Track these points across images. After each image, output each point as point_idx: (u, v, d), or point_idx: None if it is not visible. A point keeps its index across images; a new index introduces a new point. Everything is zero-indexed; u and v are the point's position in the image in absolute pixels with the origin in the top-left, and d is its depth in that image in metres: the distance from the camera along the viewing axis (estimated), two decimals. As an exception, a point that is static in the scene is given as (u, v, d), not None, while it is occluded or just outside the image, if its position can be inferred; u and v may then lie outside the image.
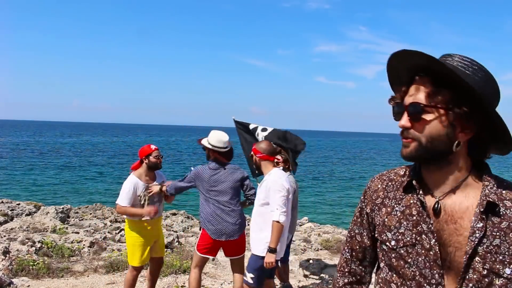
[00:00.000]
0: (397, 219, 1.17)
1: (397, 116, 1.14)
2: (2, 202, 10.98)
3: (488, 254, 1.05)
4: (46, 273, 5.62)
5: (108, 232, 8.64)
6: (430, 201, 1.14)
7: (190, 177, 4.28)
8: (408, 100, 1.11)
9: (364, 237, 1.31)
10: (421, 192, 1.14)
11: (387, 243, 1.19)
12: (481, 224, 1.05)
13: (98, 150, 50.37)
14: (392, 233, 1.17)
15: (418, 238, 1.12)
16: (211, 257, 4.53)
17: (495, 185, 1.11)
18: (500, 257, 1.04)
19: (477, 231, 1.05)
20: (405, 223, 1.15)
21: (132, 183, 4.33)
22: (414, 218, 1.14)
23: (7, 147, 49.49)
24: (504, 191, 1.10)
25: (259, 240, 3.74)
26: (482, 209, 1.06)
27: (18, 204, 10.70)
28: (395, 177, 1.26)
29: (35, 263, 5.75)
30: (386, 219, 1.20)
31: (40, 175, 26.85)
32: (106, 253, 6.96)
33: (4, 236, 7.33)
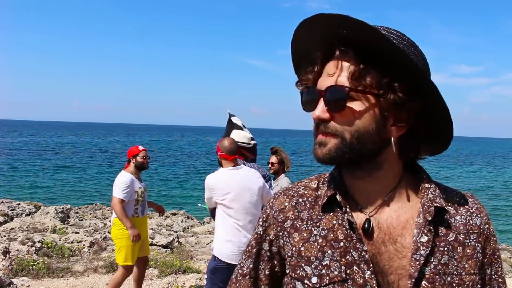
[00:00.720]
0: (318, 247, 0.87)
1: (308, 105, 0.86)
2: (2, 202, 10.98)
3: (437, 276, 0.82)
4: (46, 273, 5.62)
5: (108, 232, 8.63)
6: (359, 219, 0.87)
7: None
8: (324, 82, 0.84)
9: (262, 276, 0.96)
10: (347, 209, 0.87)
11: (306, 281, 0.87)
12: (426, 238, 0.83)
13: (98, 150, 50.38)
14: (313, 266, 0.86)
15: (348, 271, 0.84)
16: None
17: (437, 189, 0.89)
18: (449, 279, 0.83)
19: (421, 248, 0.83)
20: (329, 251, 0.86)
21: (129, 177, 4.41)
22: (342, 244, 0.86)
23: (7, 147, 49.52)
24: (445, 196, 0.89)
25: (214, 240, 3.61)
26: (430, 218, 0.84)
27: (18, 204, 10.71)
28: (305, 192, 0.95)
29: (35, 263, 5.75)
30: (302, 248, 0.88)
31: (40, 175, 26.86)
32: (106, 253, 6.96)
33: (4, 236, 7.33)
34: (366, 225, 0.86)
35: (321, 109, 0.83)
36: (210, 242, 8.46)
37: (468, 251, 0.86)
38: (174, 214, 12.47)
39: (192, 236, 9.37)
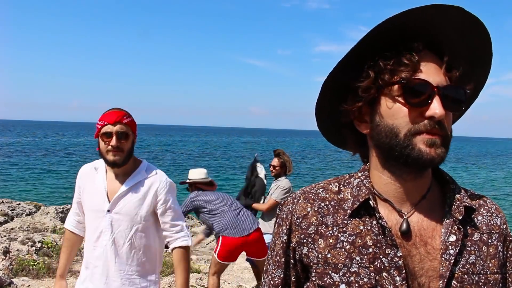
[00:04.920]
0: (346, 254, 0.85)
1: (420, 100, 0.80)
2: (2, 202, 10.98)
3: (466, 276, 0.83)
4: (46, 273, 5.62)
5: (108, 232, 8.64)
6: (391, 222, 0.86)
7: (188, 205, 4.44)
8: (440, 78, 0.81)
9: (292, 285, 0.95)
10: (379, 214, 0.85)
11: None
12: (455, 238, 0.83)
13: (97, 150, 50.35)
14: (341, 273, 0.84)
15: (377, 278, 0.82)
16: (231, 263, 4.62)
17: (462, 190, 0.90)
18: (476, 278, 0.83)
19: (450, 247, 0.83)
20: (358, 258, 0.84)
21: None
22: (370, 250, 0.84)
23: (6, 147, 49.52)
24: (469, 196, 0.90)
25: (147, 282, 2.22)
26: (460, 217, 0.84)
27: (18, 204, 10.70)
28: (327, 195, 0.92)
29: (35, 263, 5.75)
30: (329, 255, 0.86)
31: (40, 175, 26.86)
32: (106, 253, 6.96)
33: (4, 236, 7.33)
34: (405, 227, 0.84)
35: (441, 107, 0.79)
36: (210, 242, 8.47)
37: (491, 250, 0.87)
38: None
39: (192, 236, 9.37)
